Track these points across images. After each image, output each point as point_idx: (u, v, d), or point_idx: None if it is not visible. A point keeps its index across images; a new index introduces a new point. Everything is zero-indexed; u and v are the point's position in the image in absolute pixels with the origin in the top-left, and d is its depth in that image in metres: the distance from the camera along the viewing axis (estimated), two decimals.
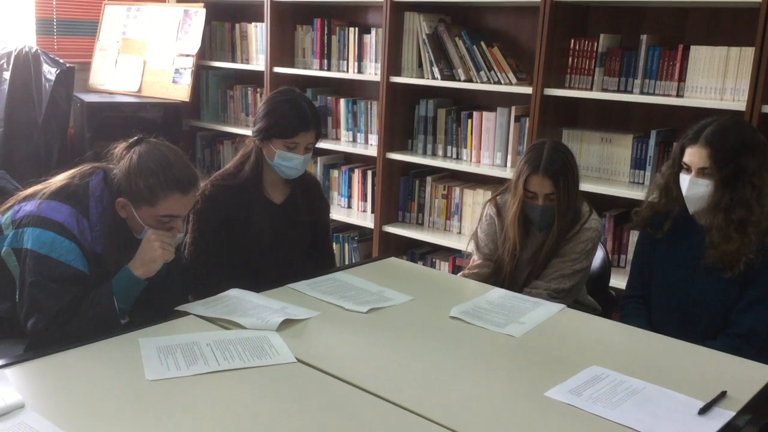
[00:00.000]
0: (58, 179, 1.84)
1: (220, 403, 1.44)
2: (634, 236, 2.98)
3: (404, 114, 3.65)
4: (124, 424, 1.35)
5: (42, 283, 1.70)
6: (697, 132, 2.06)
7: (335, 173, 3.98)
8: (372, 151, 3.70)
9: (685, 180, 2.08)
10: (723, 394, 1.52)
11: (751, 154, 2.00)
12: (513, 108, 3.28)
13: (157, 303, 1.90)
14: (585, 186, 2.80)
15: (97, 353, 1.62)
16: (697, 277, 2.11)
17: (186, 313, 1.87)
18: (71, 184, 1.81)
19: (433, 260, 3.64)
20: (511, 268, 2.38)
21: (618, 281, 2.75)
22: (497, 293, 2.14)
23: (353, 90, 4.04)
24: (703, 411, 1.46)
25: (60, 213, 1.75)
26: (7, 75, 3.78)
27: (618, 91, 2.99)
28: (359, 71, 3.76)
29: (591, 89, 3.04)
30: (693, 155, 2.05)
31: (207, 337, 1.72)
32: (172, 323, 1.81)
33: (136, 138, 1.86)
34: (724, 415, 1.46)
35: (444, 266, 3.57)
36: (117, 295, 1.76)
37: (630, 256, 2.74)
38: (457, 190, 3.52)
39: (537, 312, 1.99)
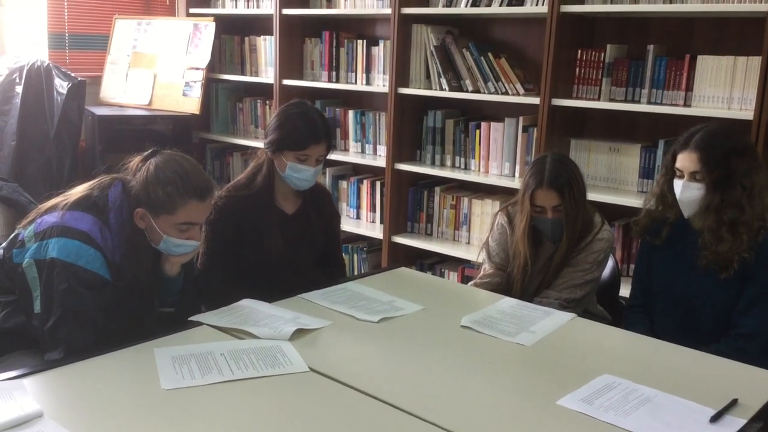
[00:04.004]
0: (78, 191, 1.86)
1: (235, 411, 1.46)
2: None
3: (412, 125, 3.67)
4: None
5: (75, 289, 1.72)
6: (687, 138, 2.12)
7: (344, 184, 4.00)
8: (380, 162, 3.72)
9: (678, 185, 2.13)
10: (734, 402, 1.53)
11: (740, 157, 2.06)
12: (521, 118, 3.30)
13: (172, 314, 1.93)
14: (593, 196, 2.81)
15: (113, 363, 1.64)
16: (694, 280, 2.14)
17: (199, 323, 1.88)
18: (91, 196, 1.84)
19: (442, 270, 3.65)
20: (522, 282, 2.38)
21: (627, 291, 2.73)
22: (508, 302, 2.15)
23: (362, 101, 4.07)
24: (715, 419, 1.46)
25: (84, 222, 1.78)
26: (19, 89, 3.82)
27: (625, 101, 3.01)
28: (367, 83, 3.79)
29: (598, 99, 3.05)
30: (684, 160, 2.10)
31: (221, 347, 1.73)
32: (186, 333, 1.83)
33: (150, 150, 1.89)
34: (735, 422, 1.46)
35: (453, 276, 3.58)
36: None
37: None
38: (466, 200, 3.54)
39: (548, 321, 2.00)
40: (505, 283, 2.42)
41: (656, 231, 2.24)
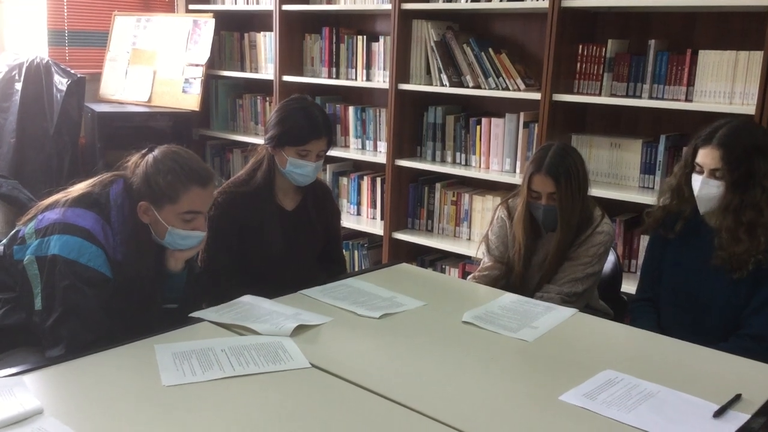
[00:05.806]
0: (79, 188, 1.86)
1: (236, 407, 1.45)
2: (644, 241, 2.98)
3: (413, 121, 3.66)
4: (141, 429, 1.36)
5: (76, 287, 1.71)
6: (710, 133, 2.08)
7: (344, 181, 3.99)
8: (381, 158, 3.72)
9: (697, 180, 2.10)
10: (738, 397, 1.52)
11: (763, 157, 2.02)
12: (521, 114, 3.29)
13: (175, 310, 1.93)
14: (594, 191, 2.80)
15: (113, 359, 1.64)
16: (706, 277, 2.13)
17: (200, 320, 1.88)
18: (93, 193, 1.84)
19: (443, 267, 3.65)
20: (521, 269, 2.38)
21: (629, 286, 2.75)
22: (509, 298, 2.15)
23: (362, 98, 4.06)
24: (718, 414, 1.46)
25: (86, 219, 1.77)
26: (19, 86, 3.81)
27: (627, 96, 3.00)
28: (368, 79, 3.78)
29: (599, 95, 3.04)
30: (705, 156, 2.07)
31: (222, 343, 1.73)
32: (186, 329, 1.82)
33: (147, 147, 1.89)
34: (739, 418, 1.46)
35: (453, 272, 3.58)
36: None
37: (640, 260, 2.76)
38: (466, 196, 3.53)
39: (549, 316, 2.00)
40: (503, 276, 2.42)
41: (670, 224, 2.21)
